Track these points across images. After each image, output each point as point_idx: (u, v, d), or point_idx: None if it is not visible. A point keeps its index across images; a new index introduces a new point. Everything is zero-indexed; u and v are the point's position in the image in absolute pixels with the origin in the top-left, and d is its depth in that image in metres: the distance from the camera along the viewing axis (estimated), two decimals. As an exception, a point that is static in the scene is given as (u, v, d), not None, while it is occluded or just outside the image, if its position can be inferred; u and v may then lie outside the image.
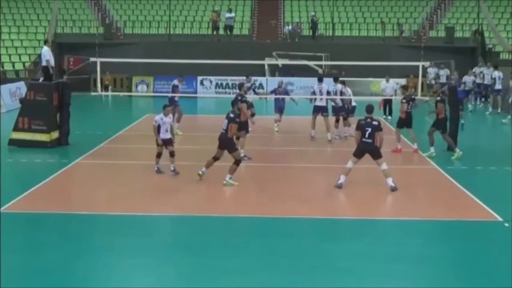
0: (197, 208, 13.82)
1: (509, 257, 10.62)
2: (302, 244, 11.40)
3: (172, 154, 16.50)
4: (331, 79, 23.41)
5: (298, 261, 10.57)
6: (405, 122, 19.98)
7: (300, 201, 14.39)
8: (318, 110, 22.10)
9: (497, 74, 31.40)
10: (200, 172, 15.80)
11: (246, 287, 9.53)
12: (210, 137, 22.02)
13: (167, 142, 16.55)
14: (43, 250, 11.07)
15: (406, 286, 9.74)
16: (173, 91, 22.83)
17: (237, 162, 15.50)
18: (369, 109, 15.24)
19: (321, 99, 22.07)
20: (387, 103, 28.16)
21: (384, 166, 15.03)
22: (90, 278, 9.83)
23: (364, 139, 14.98)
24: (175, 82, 23.03)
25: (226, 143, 15.59)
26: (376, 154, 15.05)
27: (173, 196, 14.92)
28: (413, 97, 20.61)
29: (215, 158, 15.80)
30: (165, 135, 16.54)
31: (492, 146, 22.62)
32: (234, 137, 16.27)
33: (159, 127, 16.45)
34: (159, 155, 16.68)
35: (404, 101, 19.92)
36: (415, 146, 19.82)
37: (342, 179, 15.11)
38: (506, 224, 12.58)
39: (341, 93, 22.44)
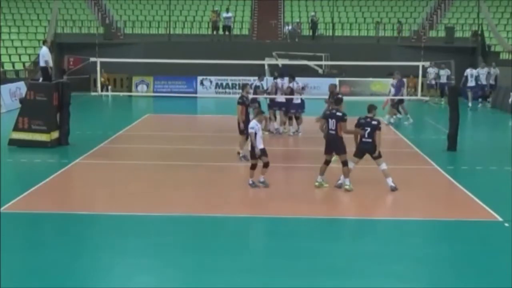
0: (197, 208, 13.81)
1: (509, 257, 10.62)
2: (302, 244, 11.39)
3: (266, 165, 15.10)
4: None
5: (298, 261, 10.57)
6: None
7: (300, 201, 14.38)
8: (280, 105, 22.51)
9: (471, 71, 33.19)
10: (317, 183, 15.14)
11: (246, 287, 9.53)
12: (210, 137, 22.10)
13: (262, 153, 15.13)
14: (43, 250, 11.06)
15: (406, 286, 9.73)
16: (255, 93, 22.52)
17: (344, 163, 14.89)
18: (369, 108, 15.23)
19: (281, 94, 22.34)
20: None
21: (383, 166, 15.03)
22: (90, 278, 9.83)
23: (363, 139, 14.98)
24: (257, 82, 22.98)
25: (336, 144, 15.05)
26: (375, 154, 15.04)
27: (173, 196, 14.91)
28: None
29: (327, 162, 15.16)
30: (260, 144, 15.12)
31: (492, 146, 22.61)
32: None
33: (255, 134, 15.03)
34: (253, 167, 15.21)
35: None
36: None
37: (342, 179, 15.11)
38: (506, 224, 12.57)
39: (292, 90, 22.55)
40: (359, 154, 15.13)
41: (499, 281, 9.77)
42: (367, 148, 14.99)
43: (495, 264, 10.56)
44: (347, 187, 14.87)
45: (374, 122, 14.98)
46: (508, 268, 10.13)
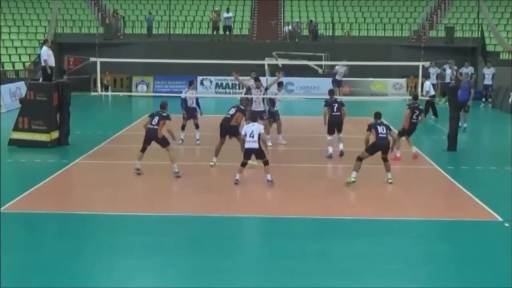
0: (197, 208, 13.83)
1: (509, 257, 10.62)
2: (302, 244, 11.40)
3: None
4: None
5: (298, 261, 10.57)
6: (408, 132, 18.79)
7: (299, 201, 14.38)
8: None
9: (467, 70, 33.30)
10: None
11: (246, 287, 9.54)
12: (211, 137, 22.06)
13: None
14: (43, 250, 11.07)
15: (406, 286, 9.73)
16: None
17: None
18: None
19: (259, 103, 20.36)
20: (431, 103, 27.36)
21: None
22: (90, 278, 9.83)
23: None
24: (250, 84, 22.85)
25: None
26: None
27: (173, 196, 14.92)
28: (419, 106, 18.93)
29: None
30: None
31: (492, 146, 22.61)
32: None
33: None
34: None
35: (407, 107, 18.85)
36: (413, 150, 18.98)
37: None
38: (506, 224, 12.58)
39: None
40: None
41: (499, 281, 9.77)
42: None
43: (495, 264, 10.56)
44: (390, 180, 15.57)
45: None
46: (508, 268, 10.13)
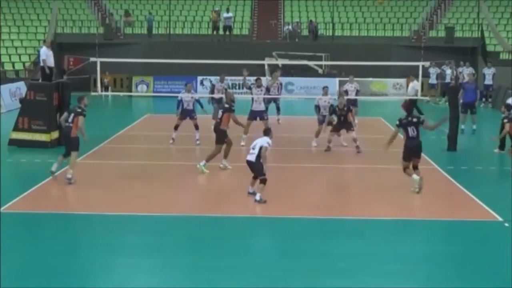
0: (197, 208, 13.83)
1: (509, 257, 10.62)
2: (302, 244, 11.40)
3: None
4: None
5: (298, 261, 10.58)
6: None
7: (299, 201, 14.38)
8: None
9: (468, 71, 32.86)
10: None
11: (245, 287, 9.54)
12: (211, 137, 22.06)
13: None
14: (43, 250, 11.07)
15: (406, 286, 9.74)
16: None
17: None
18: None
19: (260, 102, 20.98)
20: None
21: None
22: (90, 278, 9.84)
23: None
24: (214, 81, 22.97)
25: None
26: None
27: (172, 196, 14.91)
28: None
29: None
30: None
31: (492, 146, 22.60)
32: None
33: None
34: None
35: (506, 120, 18.23)
36: None
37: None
38: (506, 224, 12.59)
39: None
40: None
41: (499, 281, 9.78)
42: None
43: (495, 264, 10.57)
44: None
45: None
46: (508, 268, 10.14)
